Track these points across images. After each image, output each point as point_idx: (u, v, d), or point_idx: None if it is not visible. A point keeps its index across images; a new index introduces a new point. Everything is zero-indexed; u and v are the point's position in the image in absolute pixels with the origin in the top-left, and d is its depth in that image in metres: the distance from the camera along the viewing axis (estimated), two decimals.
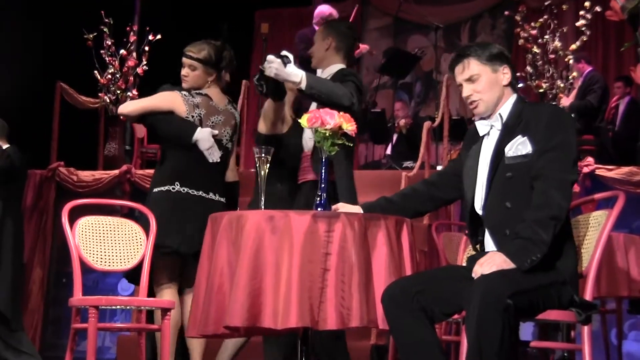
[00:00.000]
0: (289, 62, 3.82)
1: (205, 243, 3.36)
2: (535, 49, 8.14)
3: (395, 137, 9.90)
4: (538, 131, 3.11)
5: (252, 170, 4.58)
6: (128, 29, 8.55)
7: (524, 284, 2.92)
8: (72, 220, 4.13)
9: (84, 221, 4.18)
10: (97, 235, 4.18)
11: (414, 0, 11.11)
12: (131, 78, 8.49)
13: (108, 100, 8.39)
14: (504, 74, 3.25)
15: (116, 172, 7.78)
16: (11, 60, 8.82)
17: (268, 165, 3.43)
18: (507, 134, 3.18)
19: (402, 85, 11.54)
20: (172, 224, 4.23)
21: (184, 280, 4.32)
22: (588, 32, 8.13)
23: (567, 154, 3.08)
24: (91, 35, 8.22)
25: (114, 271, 4.32)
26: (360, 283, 3.09)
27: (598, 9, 8.04)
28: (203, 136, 4.31)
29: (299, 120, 3.38)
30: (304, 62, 4.47)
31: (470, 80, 3.23)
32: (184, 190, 4.30)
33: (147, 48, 8.42)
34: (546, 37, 8.12)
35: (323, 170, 3.33)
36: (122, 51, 8.43)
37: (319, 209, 3.27)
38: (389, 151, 9.83)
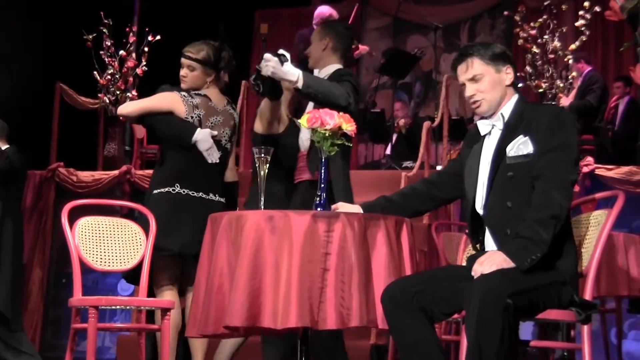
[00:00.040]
0: (286, 60, 3.82)
1: (205, 243, 3.36)
2: (535, 49, 8.14)
3: (394, 137, 9.90)
4: (539, 131, 3.12)
5: (251, 170, 4.60)
6: (127, 29, 8.55)
7: (524, 283, 2.93)
8: (72, 220, 4.13)
9: (84, 221, 4.18)
10: (97, 235, 4.18)
11: (414, 0, 11.11)
12: (130, 79, 8.49)
13: (107, 101, 8.39)
14: (507, 74, 3.25)
15: (116, 172, 7.78)
16: (11, 60, 8.82)
17: (267, 165, 3.43)
18: (508, 134, 3.19)
19: (402, 86, 11.54)
20: (172, 225, 4.23)
21: (185, 281, 4.32)
22: (587, 32, 8.13)
23: (568, 154, 3.08)
24: (91, 36, 8.22)
25: (113, 271, 4.33)
26: (360, 283, 3.09)
27: (597, 9, 8.04)
28: (202, 137, 4.31)
29: (299, 121, 3.38)
30: (304, 63, 4.47)
31: (473, 79, 3.23)
32: (184, 191, 4.30)
33: (146, 49, 8.42)
34: (545, 37, 8.12)
35: (323, 171, 3.34)
36: (122, 52, 8.43)
37: (319, 209, 3.27)
38: (388, 151, 9.83)
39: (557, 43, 8.09)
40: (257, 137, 4.31)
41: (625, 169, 7.01)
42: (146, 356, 4.23)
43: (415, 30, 11.80)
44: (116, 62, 8.41)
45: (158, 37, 8.33)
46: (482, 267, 2.94)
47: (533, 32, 8.17)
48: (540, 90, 8.05)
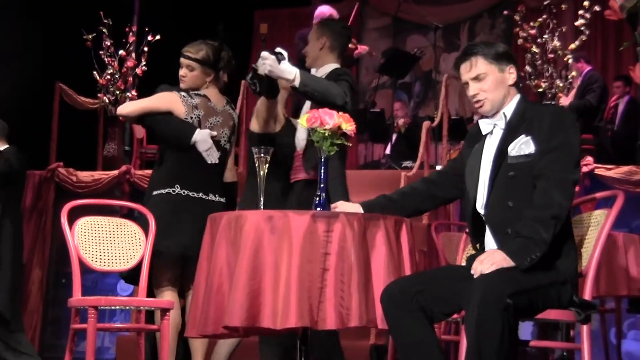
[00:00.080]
0: (283, 59, 3.82)
1: (205, 243, 3.36)
2: (535, 49, 8.14)
3: (394, 137, 9.90)
4: (541, 131, 3.11)
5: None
6: (127, 29, 8.54)
7: (524, 283, 2.93)
8: (72, 220, 4.13)
9: (83, 222, 4.18)
10: (96, 235, 4.18)
11: (413, 0, 11.11)
12: (130, 79, 8.49)
13: (107, 101, 8.39)
14: (510, 74, 3.24)
15: (115, 172, 7.78)
16: (11, 60, 8.82)
17: (267, 165, 3.43)
18: (510, 133, 3.18)
19: (401, 85, 11.54)
20: (172, 226, 4.22)
21: (186, 281, 4.32)
22: (587, 32, 8.14)
23: (569, 154, 3.08)
24: (90, 36, 8.22)
25: (113, 271, 4.33)
26: (359, 283, 3.09)
27: (597, 8, 8.04)
28: (202, 138, 4.31)
29: (298, 121, 3.38)
30: (304, 62, 4.47)
31: (476, 79, 3.22)
32: (184, 192, 4.30)
33: (146, 49, 8.41)
34: (545, 36, 8.12)
35: (322, 171, 3.33)
36: (121, 52, 8.43)
37: (318, 209, 3.27)
38: (388, 151, 9.83)
39: (556, 43, 8.10)
40: (253, 135, 4.31)
41: (624, 168, 7.01)
42: (146, 356, 4.23)
43: (415, 30, 11.80)
44: (116, 62, 8.40)
45: (158, 37, 8.32)
46: (482, 265, 2.94)
47: (533, 31, 8.17)
48: (540, 89, 8.06)
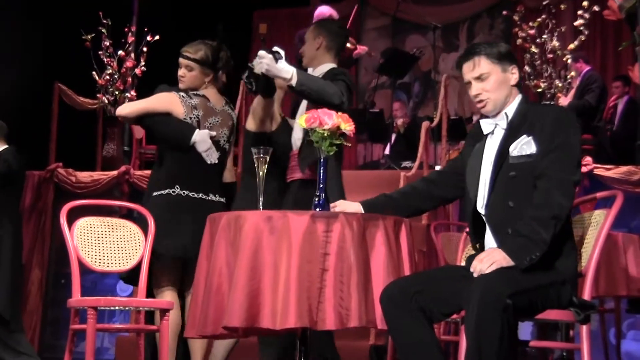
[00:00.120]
0: (281, 57, 3.82)
1: (204, 243, 3.36)
2: (534, 49, 8.13)
3: (393, 137, 9.90)
4: (543, 132, 3.11)
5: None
6: (126, 29, 8.53)
7: (524, 283, 2.93)
8: (71, 221, 4.13)
9: (83, 222, 4.18)
10: (96, 236, 4.18)
11: (412, 0, 11.11)
12: (129, 79, 8.48)
13: (106, 101, 8.38)
14: (512, 74, 3.24)
15: (115, 173, 7.78)
16: (10, 60, 8.82)
17: (266, 165, 3.43)
18: (512, 134, 3.18)
19: (401, 85, 11.54)
20: (173, 227, 4.22)
21: (186, 281, 4.31)
22: (586, 32, 8.13)
23: (570, 155, 3.08)
24: (89, 36, 8.21)
25: (112, 272, 4.32)
26: (359, 283, 3.08)
27: (596, 8, 8.04)
28: (201, 138, 4.31)
29: (298, 121, 3.38)
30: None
31: (479, 78, 3.22)
32: (184, 193, 4.30)
33: (145, 49, 8.41)
34: (544, 36, 8.12)
35: (322, 171, 3.33)
36: (120, 52, 8.42)
37: (318, 209, 3.27)
38: (387, 151, 9.83)
39: (555, 43, 8.09)
40: (249, 135, 4.31)
41: (624, 168, 7.02)
42: (145, 357, 4.22)
43: (414, 30, 11.80)
44: (115, 62, 8.39)
45: (157, 37, 8.32)
46: (482, 264, 2.95)
47: (532, 31, 8.17)
48: (539, 90, 8.05)
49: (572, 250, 3.14)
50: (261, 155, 3.42)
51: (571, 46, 8.13)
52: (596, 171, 7.03)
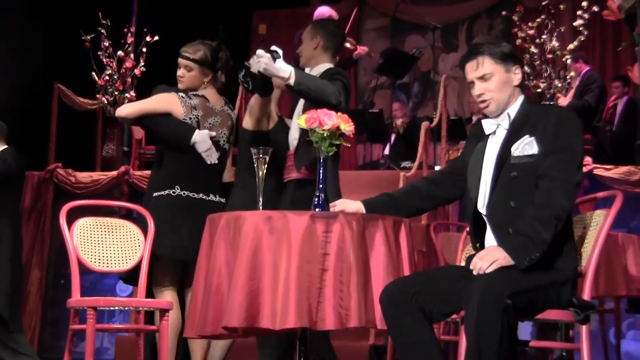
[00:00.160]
0: (279, 57, 3.82)
1: (204, 243, 3.36)
2: (533, 49, 8.14)
3: (393, 137, 9.90)
4: (545, 132, 3.11)
5: None
6: (126, 30, 8.53)
7: (524, 283, 2.93)
8: (70, 221, 4.13)
9: (82, 222, 4.18)
10: (95, 236, 4.18)
11: (411, 0, 11.11)
12: (129, 79, 8.48)
13: (106, 102, 8.38)
14: (515, 74, 3.24)
15: (114, 173, 7.78)
16: (10, 60, 8.81)
17: (266, 165, 3.43)
18: (514, 134, 3.18)
19: (400, 86, 11.54)
20: (173, 228, 4.22)
21: (186, 282, 4.31)
22: (585, 32, 8.14)
23: (572, 155, 3.08)
24: (89, 37, 8.22)
25: (112, 272, 4.33)
26: (358, 283, 3.08)
27: (595, 8, 8.05)
28: (201, 138, 4.31)
29: (294, 120, 3.38)
30: None
31: (482, 78, 3.21)
32: (184, 193, 4.29)
33: (144, 49, 8.41)
34: (544, 37, 8.13)
35: (321, 171, 3.33)
36: (120, 52, 8.42)
37: (317, 209, 3.27)
38: (387, 151, 9.83)
39: (555, 43, 8.10)
40: (246, 133, 4.31)
41: (623, 168, 7.02)
42: (145, 357, 4.22)
43: (414, 31, 11.80)
44: (114, 63, 8.40)
45: (156, 38, 8.32)
46: (482, 262, 2.95)
47: (531, 32, 8.18)
48: (539, 90, 8.06)
49: (572, 250, 3.14)
50: (261, 155, 3.42)
51: (570, 46, 8.14)
52: (596, 171, 7.03)
